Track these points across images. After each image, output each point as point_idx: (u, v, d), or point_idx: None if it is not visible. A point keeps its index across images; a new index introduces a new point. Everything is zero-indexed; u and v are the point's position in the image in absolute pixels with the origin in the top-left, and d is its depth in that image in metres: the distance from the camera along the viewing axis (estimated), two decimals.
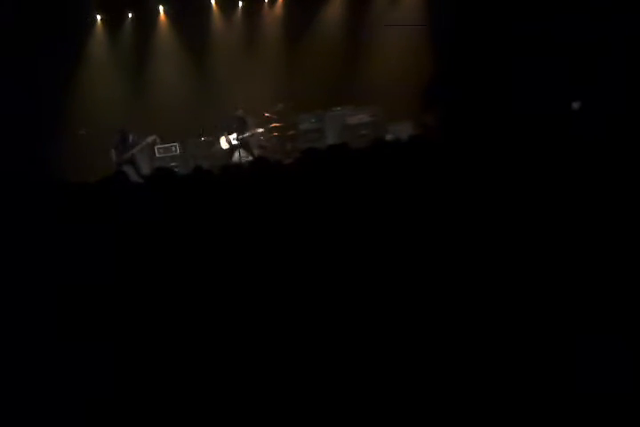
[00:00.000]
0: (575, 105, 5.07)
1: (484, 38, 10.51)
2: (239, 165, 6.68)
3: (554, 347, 2.66)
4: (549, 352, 2.65)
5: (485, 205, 3.59)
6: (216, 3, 13.25)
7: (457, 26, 10.78)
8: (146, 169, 10.69)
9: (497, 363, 2.68)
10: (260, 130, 11.65)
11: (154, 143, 11.57)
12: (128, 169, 10.24)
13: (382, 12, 12.53)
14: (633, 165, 3.55)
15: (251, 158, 10.78)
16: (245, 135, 11.49)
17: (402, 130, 10.76)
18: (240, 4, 13.31)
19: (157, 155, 12.25)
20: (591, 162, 3.73)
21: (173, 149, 12.31)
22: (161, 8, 13.18)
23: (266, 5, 13.28)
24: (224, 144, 11.71)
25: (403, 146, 5.00)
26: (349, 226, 3.55)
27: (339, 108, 11.96)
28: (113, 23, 13.21)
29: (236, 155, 11.44)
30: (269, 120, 12.08)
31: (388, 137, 10.58)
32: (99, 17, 13.17)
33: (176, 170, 11.23)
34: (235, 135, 11.58)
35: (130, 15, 13.23)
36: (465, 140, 4.91)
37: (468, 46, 10.64)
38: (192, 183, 4.98)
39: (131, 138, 11.09)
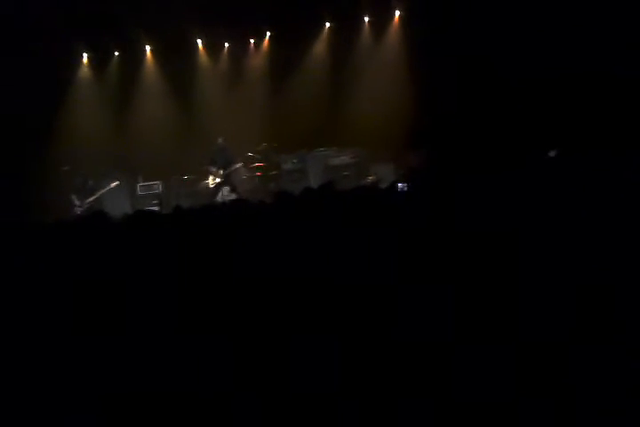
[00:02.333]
0: (552, 153, 5.14)
1: (470, 81, 10.67)
2: (221, 205, 6.69)
3: None
4: None
5: (464, 249, 3.58)
6: (202, 43, 13.39)
7: (441, 67, 10.95)
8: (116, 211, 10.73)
9: None
10: (244, 169, 11.72)
11: (117, 188, 11.65)
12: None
13: (367, 53, 12.69)
14: None
15: (234, 197, 10.80)
16: (229, 172, 11.56)
17: (384, 171, 10.81)
18: (226, 44, 13.46)
19: (139, 193, 12.25)
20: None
21: (155, 187, 12.31)
22: (148, 47, 13.28)
23: (252, 46, 13.43)
24: (210, 181, 11.76)
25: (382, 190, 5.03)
26: (322, 271, 3.54)
27: (322, 149, 12.03)
28: (99, 61, 13.31)
29: (220, 193, 11.47)
30: (253, 159, 12.16)
31: (371, 178, 10.65)
32: (85, 55, 13.26)
33: (156, 209, 11.29)
34: (219, 173, 11.64)
35: (117, 53, 13.34)
36: (450, 184, 4.93)
37: (454, 89, 10.79)
38: (170, 224, 4.98)
39: (91, 182, 11.28)
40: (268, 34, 13.23)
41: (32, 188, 11.33)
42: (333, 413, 2.73)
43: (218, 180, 11.66)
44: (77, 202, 11.21)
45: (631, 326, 2.74)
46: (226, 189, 11.49)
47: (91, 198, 11.27)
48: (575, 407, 2.54)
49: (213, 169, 11.70)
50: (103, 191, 11.39)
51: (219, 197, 11.28)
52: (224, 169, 11.60)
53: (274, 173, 12.24)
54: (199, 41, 13.36)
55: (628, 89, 8.79)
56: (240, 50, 13.42)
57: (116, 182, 11.43)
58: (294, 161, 12.08)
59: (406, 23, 12.49)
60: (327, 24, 12.92)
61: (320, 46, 13.00)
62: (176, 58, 13.10)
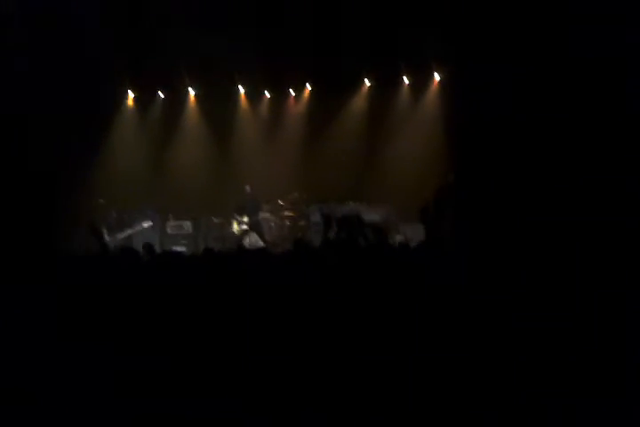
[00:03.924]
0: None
1: (501, 148, 10.69)
2: (248, 251, 6.77)
3: None
4: None
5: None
6: (244, 91, 13.71)
7: (476, 129, 11.00)
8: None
9: None
10: (273, 217, 11.86)
11: (149, 228, 11.79)
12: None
13: (404, 113, 12.89)
14: None
15: (261, 244, 10.91)
16: (257, 219, 11.71)
17: (413, 231, 10.79)
18: (267, 94, 13.77)
19: (169, 232, 12.41)
20: None
21: (185, 226, 12.47)
22: (191, 90, 13.63)
23: (292, 98, 13.73)
24: (235, 227, 11.92)
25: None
26: (337, 323, 3.61)
27: (351, 204, 12.12)
28: (143, 101, 13.65)
29: (248, 239, 11.60)
30: (283, 208, 12.30)
31: (399, 238, 10.64)
32: (130, 94, 13.62)
33: (184, 249, 11.41)
34: (246, 219, 11.81)
35: (160, 95, 13.69)
36: (471, 249, 4.97)
37: (486, 154, 10.81)
38: (199, 265, 5.07)
39: (126, 217, 11.41)
40: (309, 87, 13.52)
41: (67, 218, 11.47)
42: None
43: (244, 226, 11.84)
44: (108, 237, 11.31)
45: None
46: (253, 235, 11.61)
47: (121, 235, 11.38)
48: None
49: (239, 216, 11.88)
50: (134, 231, 11.49)
51: (246, 243, 11.39)
52: (250, 216, 11.77)
53: (302, 223, 12.37)
54: (241, 88, 13.67)
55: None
56: (280, 100, 13.71)
57: (150, 223, 11.55)
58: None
59: (445, 87, 12.67)
60: (367, 82, 13.19)
61: (358, 103, 13.26)
62: (217, 103, 13.40)
